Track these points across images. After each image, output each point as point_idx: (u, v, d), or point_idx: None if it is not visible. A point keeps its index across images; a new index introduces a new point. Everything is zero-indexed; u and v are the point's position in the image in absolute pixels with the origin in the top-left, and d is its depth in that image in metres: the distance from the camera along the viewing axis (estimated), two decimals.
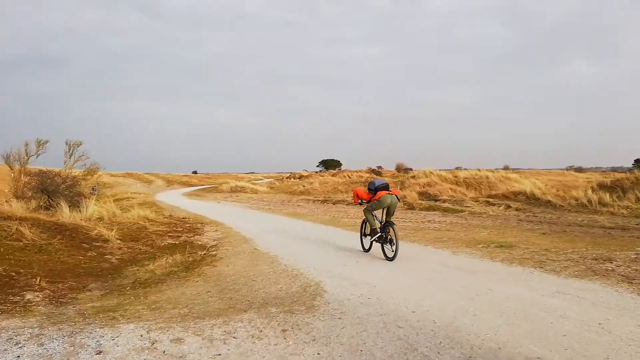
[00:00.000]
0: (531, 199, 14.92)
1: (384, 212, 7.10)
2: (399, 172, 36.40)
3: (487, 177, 20.08)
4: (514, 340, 3.42)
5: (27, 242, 7.09)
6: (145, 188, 40.58)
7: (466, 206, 15.10)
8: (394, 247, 6.65)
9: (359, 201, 7.36)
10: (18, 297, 4.85)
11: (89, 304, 4.80)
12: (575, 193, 14.15)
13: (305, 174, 47.43)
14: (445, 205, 15.73)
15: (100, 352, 3.29)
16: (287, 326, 3.85)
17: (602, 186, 14.46)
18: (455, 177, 20.77)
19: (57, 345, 3.39)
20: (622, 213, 11.82)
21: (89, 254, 7.41)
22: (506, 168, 34.10)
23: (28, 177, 14.63)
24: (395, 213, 7.14)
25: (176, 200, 25.30)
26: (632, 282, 5.01)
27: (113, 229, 9.27)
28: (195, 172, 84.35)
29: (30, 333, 3.65)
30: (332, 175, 36.43)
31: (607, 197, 13.13)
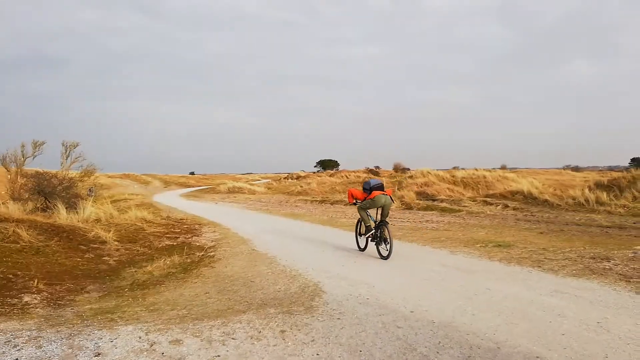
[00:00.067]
0: (528, 199, 14.96)
1: (378, 212, 7.17)
2: (396, 172, 36.46)
3: (485, 177, 20.11)
4: (513, 339, 3.43)
5: (24, 244, 7.05)
6: (142, 189, 40.52)
7: (464, 206, 15.13)
8: (388, 246, 6.74)
9: (354, 201, 7.44)
10: (16, 300, 4.82)
11: (87, 306, 4.78)
12: (572, 192, 14.19)
13: (302, 174, 47.41)
14: (443, 205, 15.76)
15: (99, 354, 3.28)
16: (286, 327, 3.85)
17: (599, 185, 14.51)
18: (453, 176, 20.80)
19: (56, 348, 3.37)
20: (619, 212, 11.86)
21: (86, 256, 7.38)
22: (503, 167, 34.20)
23: (25, 179, 14.57)
24: (390, 213, 7.17)
25: (174, 201, 25.26)
26: (629, 281, 5.03)
27: (110, 231, 9.24)
28: (192, 173, 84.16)
29: (29, 335, 3.63)
30: (330, 176, 36.44)
31: (604, 196, 13.18)
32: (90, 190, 17.23)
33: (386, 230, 6.83)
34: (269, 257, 7.21)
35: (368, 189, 7.11)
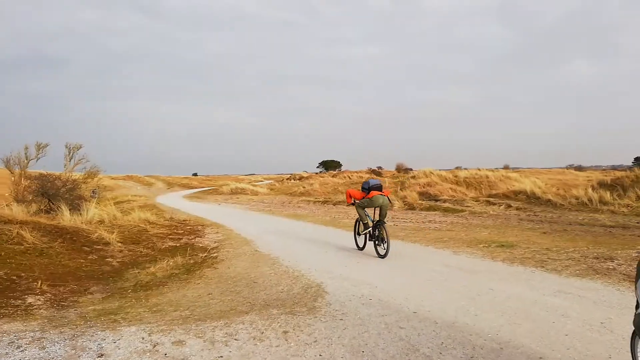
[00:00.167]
0: (531, 198, 14.92)
1: (376, 212, 7.35)
2: (399, 172, 36.40)
3: (487, 177, 20.06)
4: (516, 340, 3.42)
5: (28, 245, 7.09)
6: (145, 191, 40.64)
7: (466, 206, 15.10)
8: (385, 245, 6.92)
9: (352, 201, 7.62)
10: (19, 301, 4.85)
11: (90, 307, 4.80)
12: (575, 192, 14.15)
13: (305, 175, 47.44)
14: (446, 205, 15.73)
15: (102, 355, 3.29)
16: (288, 327, 3.85)
17: (602, 185, 14.45)
18: (456, 176, 20.76)
19: (59, 349, 3.39)
20: (623, 211, 11.81)
21: (90, 257, 7.41)
22: (506, 167, 34.09)
23: (28, 181, 14.63)
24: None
25: (177, 202, 25.32)
26: (633, 281, 5.00)
27: (114, 232, 9.27)
28: (195, 174, 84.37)
29: (32, 337, 3.65)
30: (332, 176, 36.44)
31: (607, 195, 13.13)
32: (93, 192, 17.28)
33: (383, 230, 7.00)
34: (271, 258, 7.22)
35: (367, 188, 7.31)
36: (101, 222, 10.96)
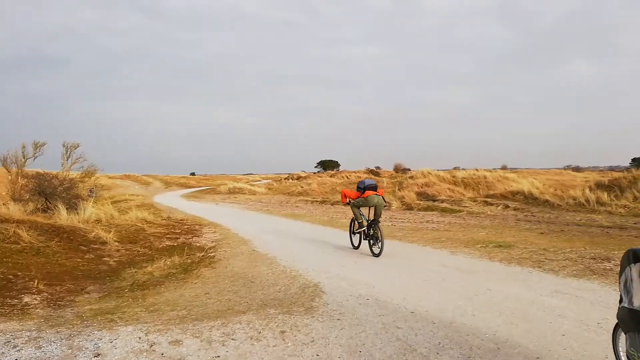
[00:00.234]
0: (529, 199, 14.95)
1: (371, 211, 7.48)
2: (397, 172, 36.46)
3: (485, 177, 20.10)
4: (513, 340, 3.42)
5: (24, 244, 7.06)
6: (143, 190, 40.54)
7: (464, 206, 15.12)
8: (379, 244, 7.04)
9: (347, 201, 7.74)
10: (16, 300, 4.83)
11: (87, 307, 4.78)
12: (573, 192, 14.19)
13: (303, 174, 47.42)
14: (444, 205, 15.75)
15: (99, 354, 3.27)
16: (285, 327, 3.85)
17: (599, 185, 14.50)
18: (454, 177, 20.79)
19: (55, 348, 3.37)
20: (620, 212, 11.85)
21: (86, 257, 7.38)
22: (504, 168, 34.18)
23: (25, 180, 14.56)
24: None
25: (174, 202, 25.27)
26: None
27: (111, 231, 9.25)
28: (193, 174, 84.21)
29: (28, 336, 3.64)
30: (330, 176, 36.45)
31: (604, 196, 13.17)
32: (90, 191, 17.23)
33: (378, 229, 7.11)
34: (269, 258, 7.21)
35: (362, 187, 7.46)
36: (98, 221, 10.93)
